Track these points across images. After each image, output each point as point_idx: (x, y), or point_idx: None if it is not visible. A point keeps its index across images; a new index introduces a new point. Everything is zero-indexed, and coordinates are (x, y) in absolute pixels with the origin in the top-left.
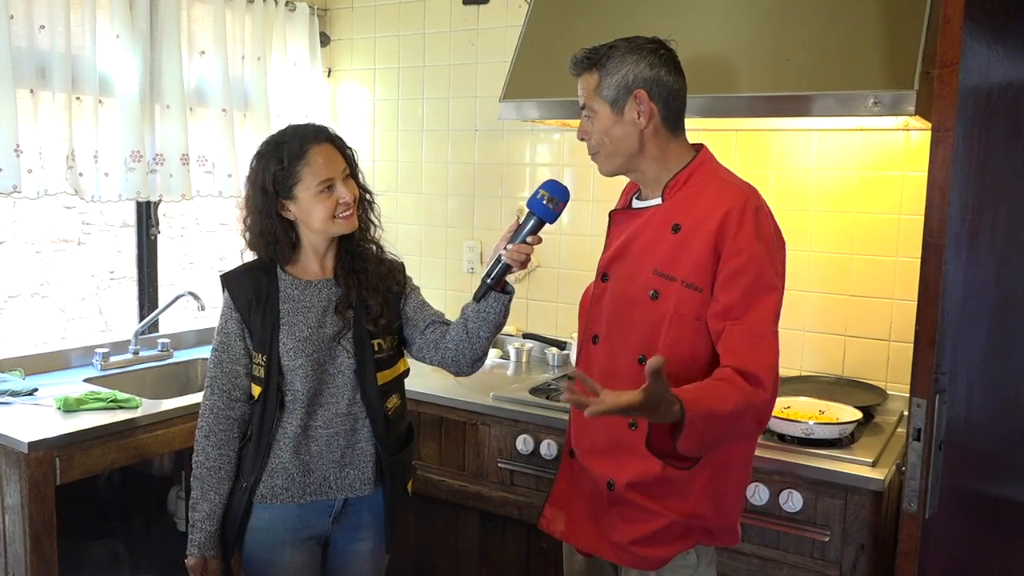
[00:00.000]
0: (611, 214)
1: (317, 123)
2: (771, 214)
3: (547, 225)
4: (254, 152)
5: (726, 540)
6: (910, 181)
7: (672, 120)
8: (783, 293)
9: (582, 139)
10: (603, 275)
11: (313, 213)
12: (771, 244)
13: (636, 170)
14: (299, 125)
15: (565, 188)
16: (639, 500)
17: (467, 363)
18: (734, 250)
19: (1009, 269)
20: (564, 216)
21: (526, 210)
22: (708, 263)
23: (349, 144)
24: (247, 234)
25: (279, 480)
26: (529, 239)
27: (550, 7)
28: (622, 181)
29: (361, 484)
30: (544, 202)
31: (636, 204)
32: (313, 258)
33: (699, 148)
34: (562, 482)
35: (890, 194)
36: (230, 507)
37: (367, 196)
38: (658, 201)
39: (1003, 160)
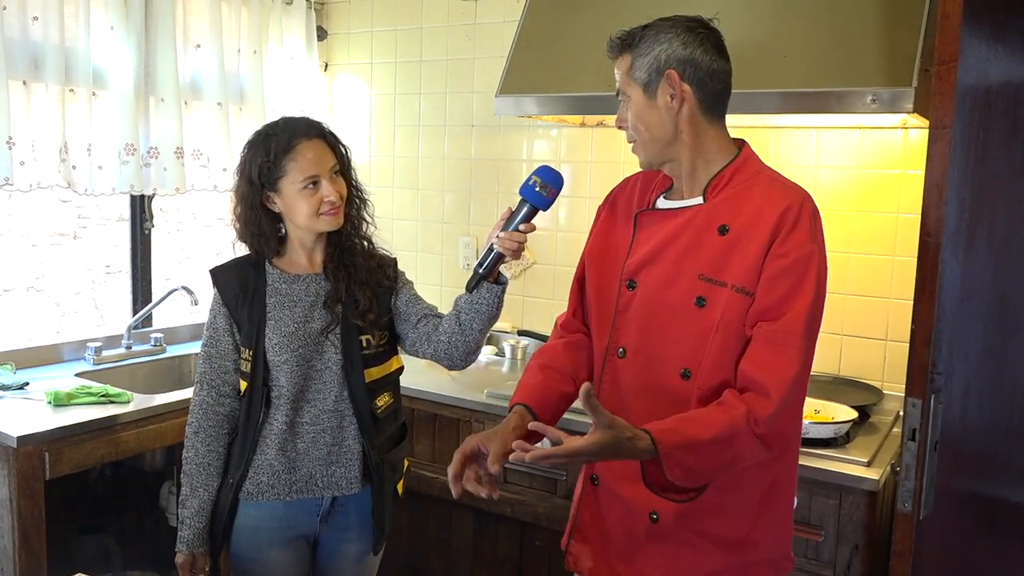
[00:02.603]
0: (637, 215)
1: (311, 117)
2: (822, 226)
3: (541, 213)
4: (246, 141)
5: (786, 567)
6: (908, 180)
7: (710, 104)
8: (824, 303)
9: (619, 127)
10: (629, 282)
11: (296, 208)
12: (823, 252)
13: (672, 160)
14: (291, 118)
15: (558, 174)
16: (690, 536)
17: (460, 356)
18: (782, 251)
19: (1006, 269)
20: (559, 212)
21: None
22: (761, 266)
23: (344, 141)
24: (236, 223)
25: (265, 477)
26: (522, 227)
27: (547, 2)
28: (618, 178)
29: (348, 483)
30: (536, 188)
31: (666, 204)
32: (301, 252)
33: (741, 144)
34: (586, 512)
35: (888, 193)
36: (217, 504)
37: (359, 194)
38: (698, 200)
39: (1001, 159)
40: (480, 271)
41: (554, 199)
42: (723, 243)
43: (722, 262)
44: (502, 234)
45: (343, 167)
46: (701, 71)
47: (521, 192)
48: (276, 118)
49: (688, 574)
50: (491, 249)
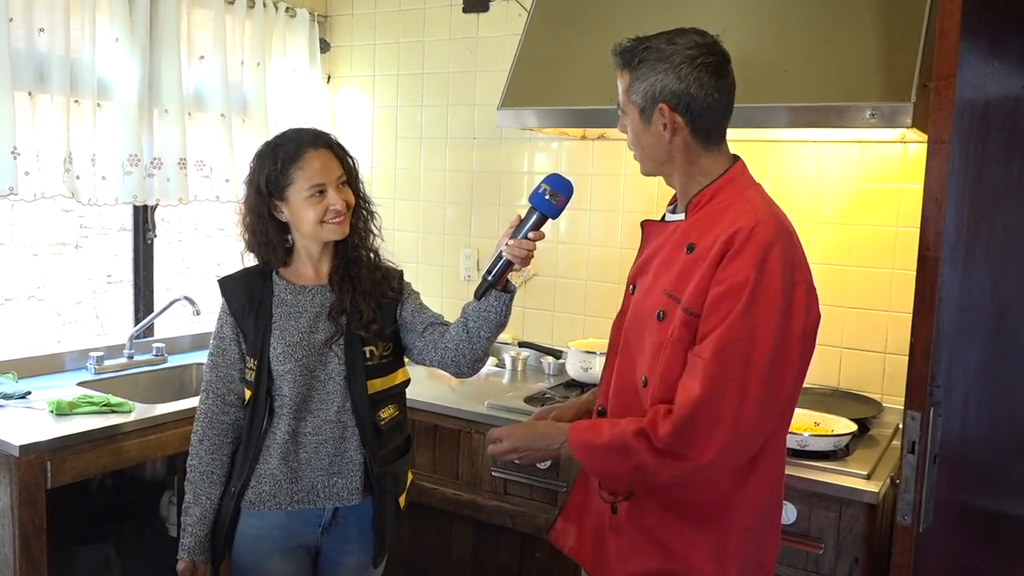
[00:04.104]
0: (642, 223)
1: (320, 129)
2: (787, 253)
3: (549, 221)
4: (254, 152)
5: None
6: (907, 193)
7: (704, 133)
8: (778, 343)
9: (622, 131)
10: (632, 287)
11: (302, 217)
12: (773, 282)
13: (667, 176)
14: (300, 128)
15: (568, 182)
16: (637, 533)
17: (467, 363)
18: (721, 277)
19: (1005, 282)
20: (561, 224)
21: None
22: (706, 289)
23: (351, 152)
24: (245, 233)
25: (266, 486)
26: (531, 235)
27: (549, 16)
28: (619, 193)
29: (349, 494)
30: (546, 197)
31: (668, 217)
32: (308, 263)
33: (734, 161)
34: (578, 495)
35: (887, 206)
36: (219, 512)
37: (366, 205)
38: (682, 216)
39: (999, 173)
40: (489, 278)
41: (563, 207)
42: (687, 261)
43: (682, 280)
44: (511, 241)
45: (350, 178)
46: (695, 104)
47: (531, 200)
48: (281, 130)
49: (632, 569)
50: (500, 256)
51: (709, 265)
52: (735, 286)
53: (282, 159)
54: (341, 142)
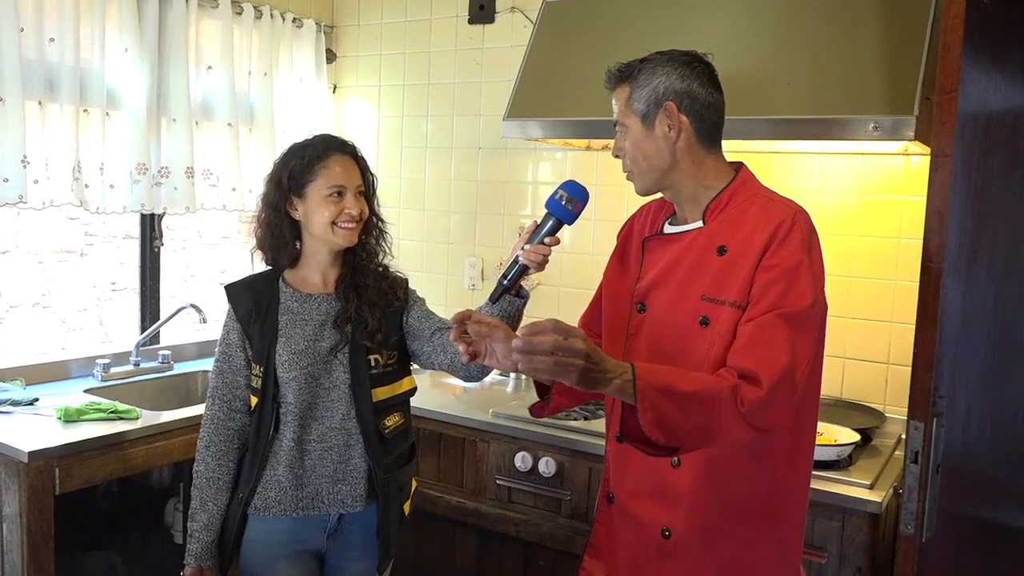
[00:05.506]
0: (644, 241)
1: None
2: (819, 246)
3: (565, 226)
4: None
5: None
6: (910, 205)
7: (707, 134)
8: (821, 317)
9: (617, 156)
10: (639, 305)
11: (316, 215)
12: (818, 262)
13: (671, 187)
14: (329, 134)
15: (584, 189)
16: (699, 551)
17: (476, 367)
18: (771, 263)
19: (1007, 294)
20: (565, 234)
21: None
22: (752, 280)
23: (373, 172)
24: (257, 229)
25: (272, 492)
26: (547, 240)
27: (554, 28)
28: (624, 203)
29: (352, 500)
30: (563, 203)
31: (671, 229)
32: (315, 270)
33: (739, 167)
34: (601, 529)
35: (890, 218)
36: (226, 518)
37: (379, 224)
38: (699, 224)
39: (1001, 186)
40: (504, 283)
41: (579, 213)
42: (722, 263)
43: (721, 281)
44: (527, 247)
45: (368, 192)
46: (698, 103)
47: (547, 206)
48: (289, 139)
49: None
50: (516, 261)
51: (753, 259)
52: (788, 269)
53: (309, 156)
54: (364, 157)
